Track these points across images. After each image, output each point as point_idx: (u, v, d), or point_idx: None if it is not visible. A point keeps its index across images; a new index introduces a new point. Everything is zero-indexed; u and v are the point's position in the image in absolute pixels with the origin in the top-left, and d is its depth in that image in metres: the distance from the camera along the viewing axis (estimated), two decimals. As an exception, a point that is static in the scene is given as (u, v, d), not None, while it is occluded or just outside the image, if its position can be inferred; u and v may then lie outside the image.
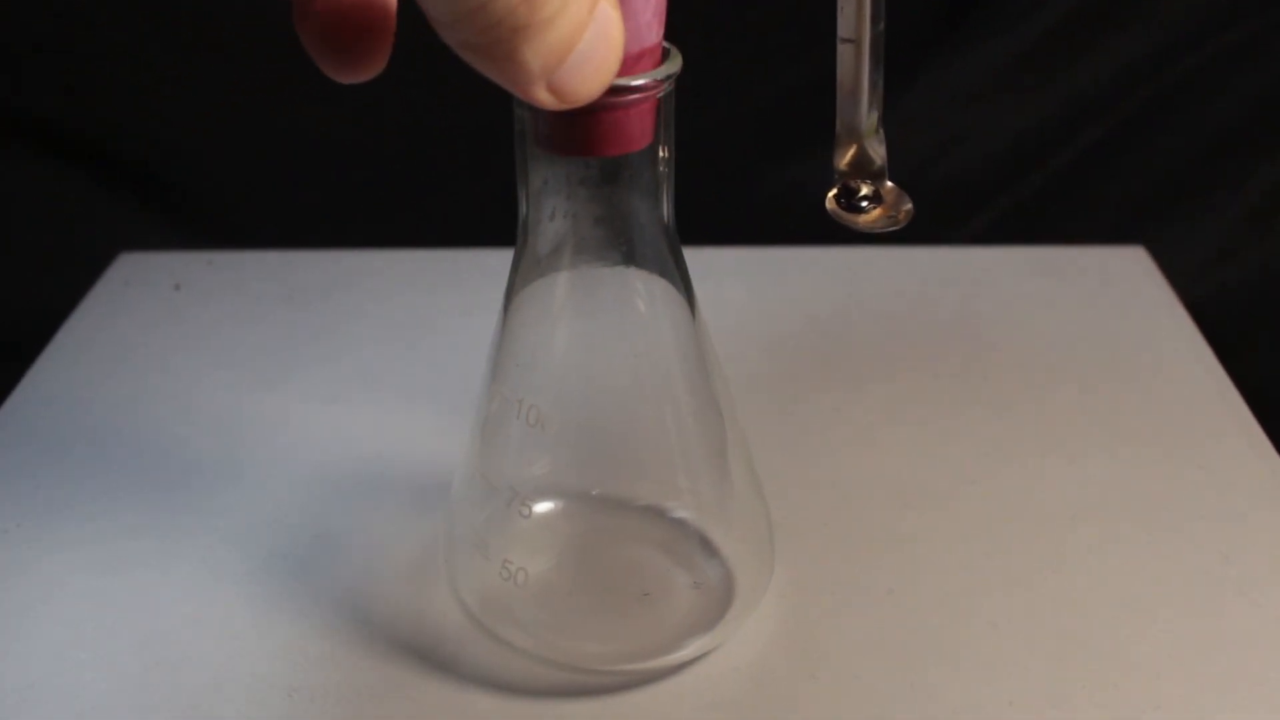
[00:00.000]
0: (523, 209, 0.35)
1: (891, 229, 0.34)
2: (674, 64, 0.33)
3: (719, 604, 0.39)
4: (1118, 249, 0.62)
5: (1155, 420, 0.50)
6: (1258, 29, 0.66)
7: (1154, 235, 0.65)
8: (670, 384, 0.37)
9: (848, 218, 0.34)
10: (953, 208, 0.71)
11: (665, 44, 0.34)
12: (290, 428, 0.50)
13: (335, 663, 0.38)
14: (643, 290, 0.36)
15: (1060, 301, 0.58)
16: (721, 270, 0.60)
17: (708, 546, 0.40)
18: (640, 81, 0.32)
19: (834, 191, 0.34)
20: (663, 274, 0.36)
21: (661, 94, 0.33)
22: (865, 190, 0.33)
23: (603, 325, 0.37)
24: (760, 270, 0.61)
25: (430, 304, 0.58)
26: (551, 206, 0.35)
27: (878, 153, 0.33)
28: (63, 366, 0.54)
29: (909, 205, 0.34)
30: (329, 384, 0.52)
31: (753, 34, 0.66)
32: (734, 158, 0.69)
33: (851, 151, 0.33)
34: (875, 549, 0.43)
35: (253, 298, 0.59)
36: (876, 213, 0.34)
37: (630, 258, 0.35)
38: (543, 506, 0.39)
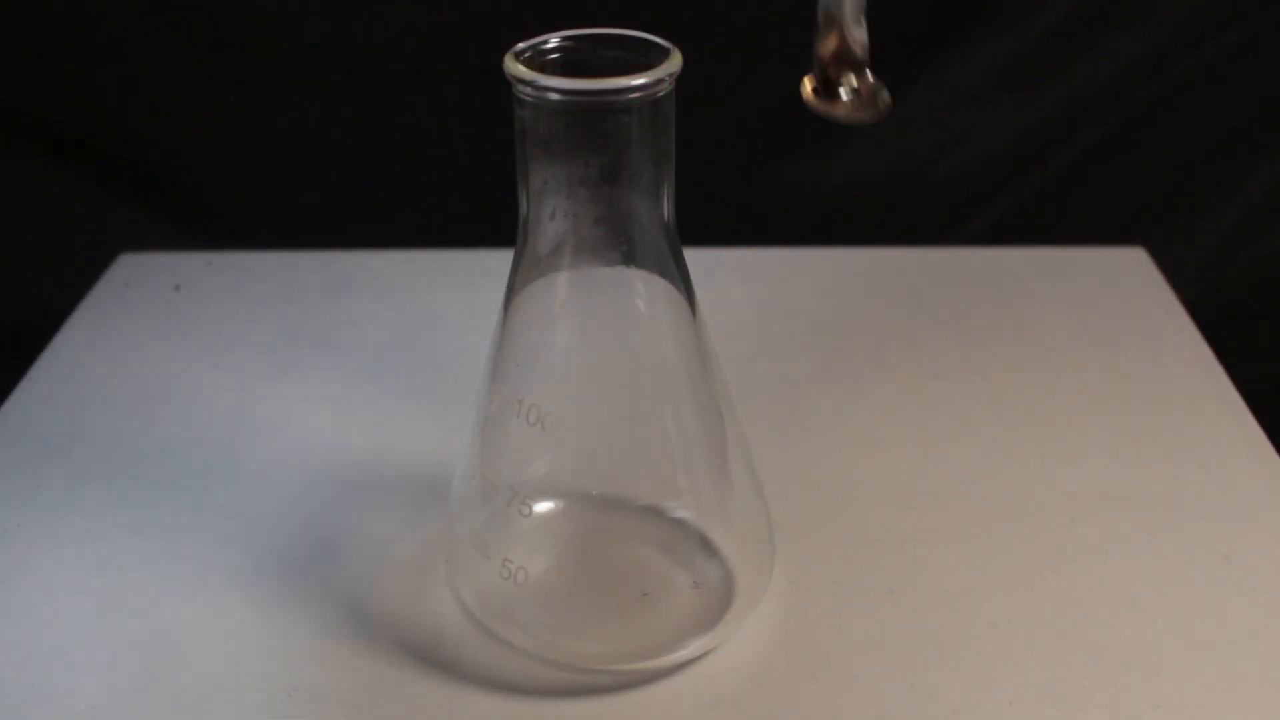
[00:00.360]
0: (523, 209, 0.35)
1: (873, 120, 0.33)
2: (674, 64, 0.33)
3: (719, 604, 0.39)
4: (1118, 249, 0.62)
5: (1155, 420, 0.49)
6: (1258, 29, 0.66)
7: (1154, 235, 0.65)
8: (670, 384, 0.37)
9: (824, 107, 0.33)
10: (953, 208, 0.71)
11: (665, 44, 0.34)
12: (290, 428, 0.50)
13: (335, 663, 0.38)
14: (643, 290, 0.36)
15: (1060, 301, 0.58)
16: (722, 270, 0.60)
17: (708, 546, 0.40)
18: (641, 81, 0.32)
19: (811, 83, 0.33)
20: (663, 274, 0.36)
21: (661, 93, 0.33)
22: (845, 83, 0.33)
23: (603, 325, 0.37)
24: (760, 270, 0.61)
25: (430, 304, 0.58)
26: (551, 206, 0.35)
27: (859, 42, 0.32)
28: (63, 366, 0.54)
29: (887, 95, 0.33)
30: (329, 384, 0.52)
31: (753, 34, 0.66)
32: (734, 158, 0.69)
33: (833, 40, 0.32)
34: (875, 549, 0.43)
35: (253, 298, 0.59)
36: (855, 102, 0.33)
37: (630, 258, 0.35)
38: (543, 506, 0.39)
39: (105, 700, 0.37)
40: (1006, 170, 0.70)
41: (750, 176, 0.70)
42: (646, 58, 0.33)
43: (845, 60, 0.32)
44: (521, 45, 0.34)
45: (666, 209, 0.35)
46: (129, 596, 0.41)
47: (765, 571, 0.40)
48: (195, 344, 0.55)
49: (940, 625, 0.40)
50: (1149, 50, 0.67)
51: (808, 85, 0.33)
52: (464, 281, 0.60)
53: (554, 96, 0.32)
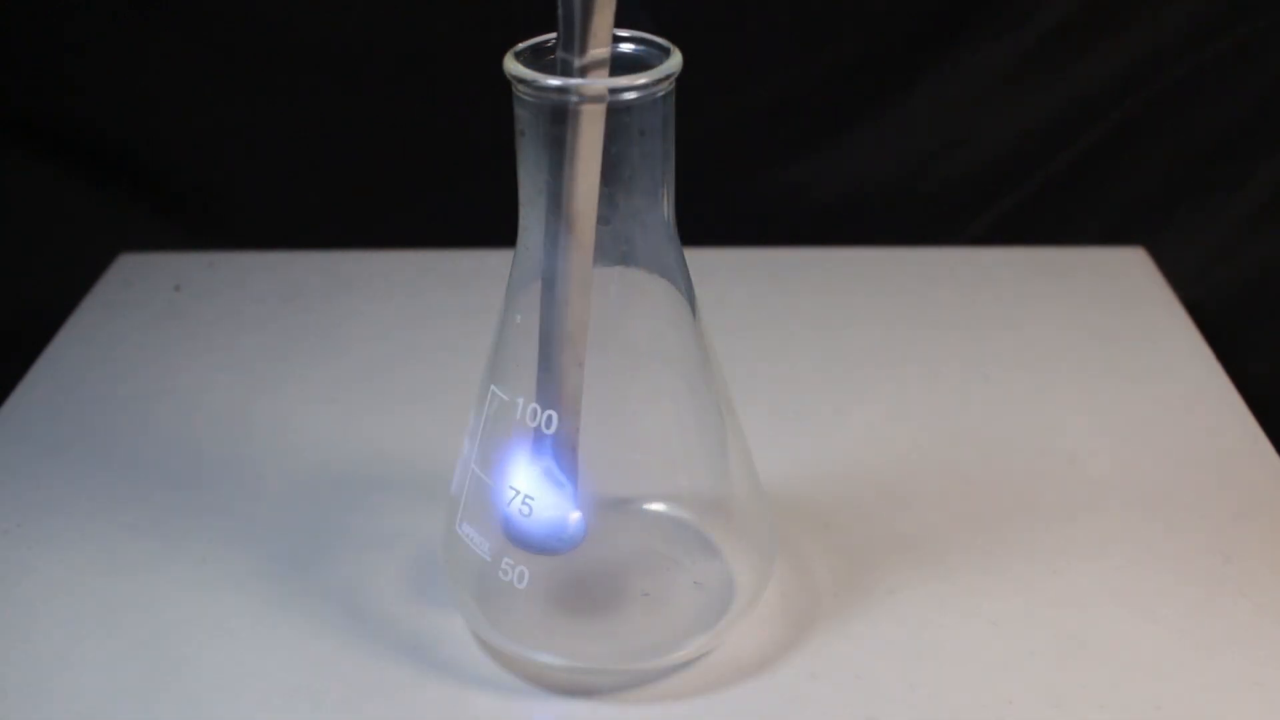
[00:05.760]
0: (523, 209, 0.35)
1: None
2: (674, 64, 0.33)
3: (719, 604, 0.39)
4: (1118, 249, 0.62)
5: (1155, 420, 0.50)
6: (1258, 29, 0.66)
7: (1154, 235, 0.65)
8: (670, 384, 0.37)
9: None
10: (953, 208, 0.71)
11: (665, 44, 0.34)
12: (290, 428, 0.50)
13: (335, 663, 0.38)
14: (643, 290, 0.36)
15: (1060, 301, 0.58)
16: (722, 270, 0.60)
17: (708, 546, 0.40)
18: (641, 81, 0.32)
19: None
20: (663, 274, 0.36)
21: (662, 93, 0.33)
22: None
23: (603, 325, 0.37)
24: (760, 270, 0.61)
25: (430, 304, 0.58)
26: (552, 206, 0.35)
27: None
28: (63, 366, 0.54)
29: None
30: (329, 384, 0.52)
31: (753, 34, 0.66)
32: (734, 158, 0.69)
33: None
34: (875, 549, 0.43)
35: (253, 298, 0.59)
36: None
37: (630, 258, 0.35)
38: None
39: (105, 700, 0.37)
40: (1007, 170, 0.70)
41: (750, 176, 0.70)
42: (646, 58, 0.33)
43: None
44: (521, 45, 0.34)
45: (666, 209, 0.35)
46: (129, 596, 0.41)
47: (765, 571, 0.40)
48: (195, 344, 0.55)
49: (940, 625, 0.40)
50: (1149, 50, 0.67)
51: None
52: (464, 281, 0.60)
53: (554, 96, 0.32)
